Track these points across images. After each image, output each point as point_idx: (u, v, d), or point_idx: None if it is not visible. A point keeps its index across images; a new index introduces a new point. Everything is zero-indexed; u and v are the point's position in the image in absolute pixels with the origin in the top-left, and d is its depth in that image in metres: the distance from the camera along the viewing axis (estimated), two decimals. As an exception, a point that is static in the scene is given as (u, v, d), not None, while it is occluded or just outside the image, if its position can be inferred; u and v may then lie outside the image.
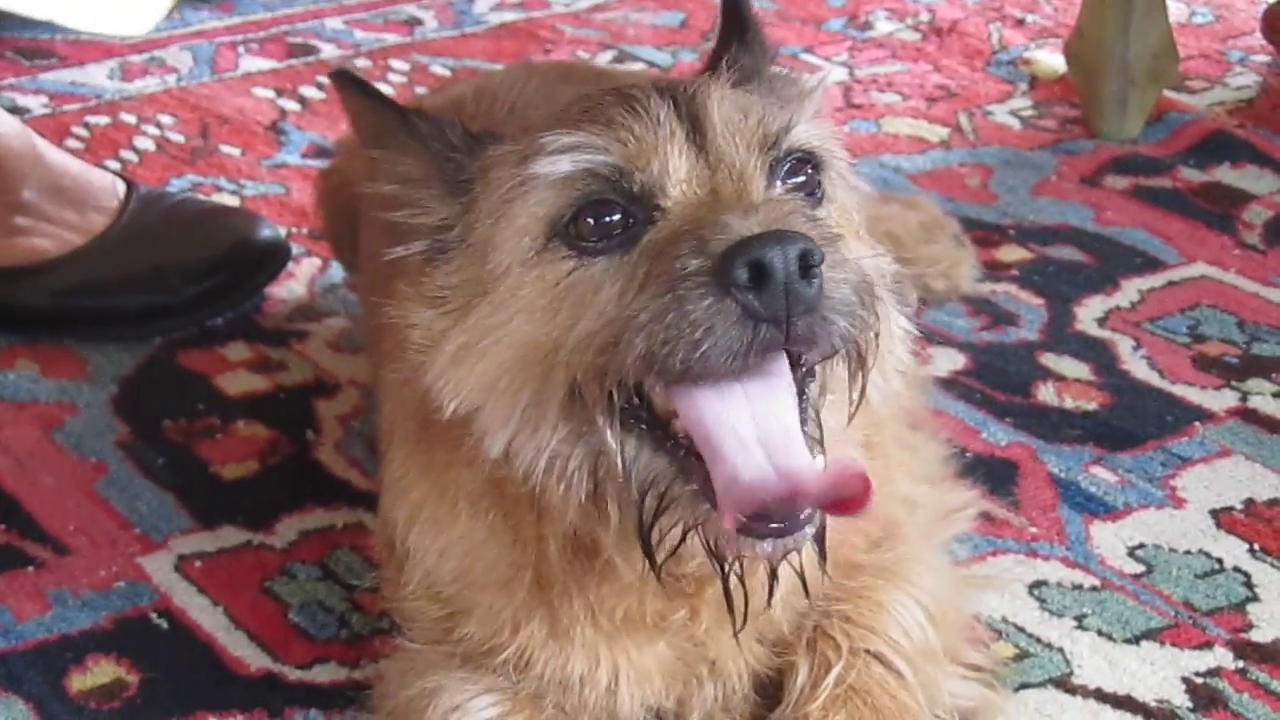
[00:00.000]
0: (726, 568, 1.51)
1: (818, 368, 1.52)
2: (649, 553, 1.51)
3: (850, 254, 1.49)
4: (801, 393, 1.49)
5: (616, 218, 1.49)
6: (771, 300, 1.38)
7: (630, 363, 1.43)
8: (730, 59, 1.68)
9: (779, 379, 1.45)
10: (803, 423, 1.48)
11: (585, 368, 1.47)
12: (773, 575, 1.54)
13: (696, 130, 1.51)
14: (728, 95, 1.55)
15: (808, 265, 1.38)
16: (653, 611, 1.66)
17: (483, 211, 1.57)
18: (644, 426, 1.48)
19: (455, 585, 1.71)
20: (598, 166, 1.49)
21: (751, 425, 1.42)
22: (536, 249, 1.51)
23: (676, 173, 1.49)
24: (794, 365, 1.48)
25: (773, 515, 1.41)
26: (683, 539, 1.51)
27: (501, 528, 1.67)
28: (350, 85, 1.65)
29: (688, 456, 1.47)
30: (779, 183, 1.54)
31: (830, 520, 1.50)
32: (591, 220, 1.49)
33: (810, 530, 1.44)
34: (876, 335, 1.50)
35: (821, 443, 1.54)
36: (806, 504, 1.40)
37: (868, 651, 1.75)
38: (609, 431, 1.47)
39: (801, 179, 1.56)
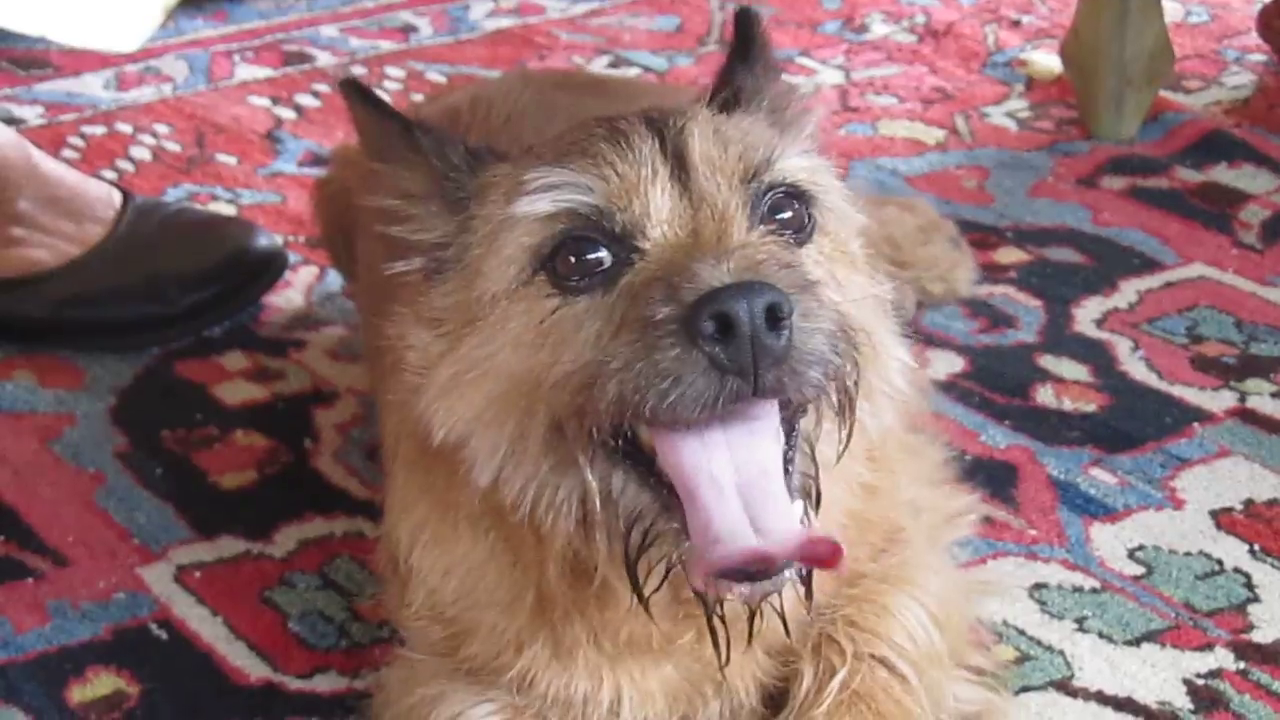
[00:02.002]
0: (711, 603, 1.51)
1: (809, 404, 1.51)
2: (635, 584, 1.51)
3: (827, 298, 1.47)
4: (791, 429, 1.49)
5: (598, 255, 1.49)
6: (737, 352, 1.38)
7: (605, 406, 1.43)
8: (731, 81, 1.68)
9: (762, 422, 1.45)
10: (790, 460, 1.48)
11: (564, 406, 1.47)
12: (752, 616, 1.54)
13: (680, 167, 1.50)
14: (713, 128, 1.54)
15: (776, 317, 1.38)
16: (659, 634, 1.65)
17: (477, 234, 1.57)
18: (629, 461, 1.48)
19: (458, 605, 1.71)
20: (579, 206, 1.49)
21: (731, 472, 1.42)
22: (522, 281, 1.51)
23: (658, 214, 1.49)
24: (783, 403, 1.47)
25: (745, 572, 1.41)
26: (668, 572, 1.51)
27: (503, 549, 1.67)
28: (357, 95, 1.64)
29: (671, 494, 1.46)
30: (761, 220, 1.52)
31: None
32: (573, 258, 1.49)
33: (789, 575, 1.43)
34: (856, 383, 1.49)
35: (816, 476, 1.53)
36: (775, 569, 1.40)
37: (872, 656, 1.75)
38: (589, 469, 1.48)
39: (788, 214, 1.55)
